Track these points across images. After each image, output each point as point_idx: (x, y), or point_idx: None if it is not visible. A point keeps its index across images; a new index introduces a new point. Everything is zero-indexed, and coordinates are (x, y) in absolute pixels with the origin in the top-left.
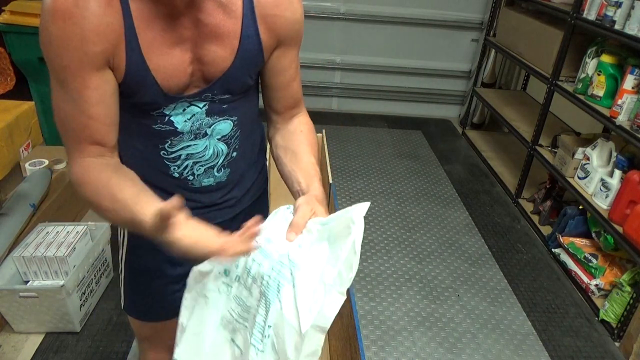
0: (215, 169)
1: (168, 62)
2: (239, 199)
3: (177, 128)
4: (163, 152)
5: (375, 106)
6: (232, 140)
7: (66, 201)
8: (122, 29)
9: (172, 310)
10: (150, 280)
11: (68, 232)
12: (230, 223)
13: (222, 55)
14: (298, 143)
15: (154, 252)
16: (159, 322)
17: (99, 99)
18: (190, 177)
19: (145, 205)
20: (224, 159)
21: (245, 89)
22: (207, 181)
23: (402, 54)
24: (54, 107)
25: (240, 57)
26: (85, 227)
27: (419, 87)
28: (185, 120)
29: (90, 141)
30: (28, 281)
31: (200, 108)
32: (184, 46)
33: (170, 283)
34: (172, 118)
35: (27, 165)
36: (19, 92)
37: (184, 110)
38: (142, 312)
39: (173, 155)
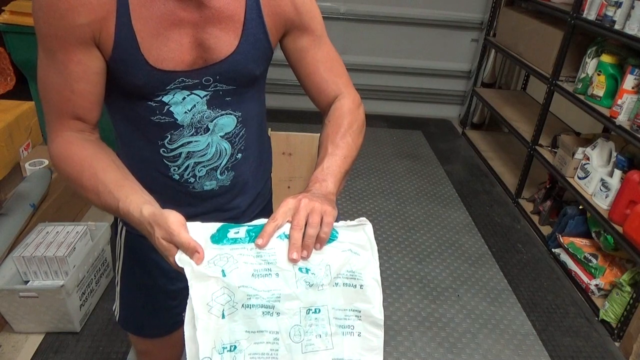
0: (218, 171)
1: (162, 43)
2: (243, 210)
3: (177, 120)
4: (163, 149)
5: (375, 106)
6: (237, 140)
7: (66, 201)
8: (113, 3)
9: (169, 327)
10: (146, 296)
11: (68, 232)
12: None
13: (225, 40)
14: (328, 130)
15: (151, 268)
16: (155, 339)
17: (81, 75)
18: (192, 180)
19: (130, 191)
20: (227, 160)
21: (251, 81)
22: (210, 184)
23: (402, 54)
24: (38, 76)
25: (245, 42)
26: (85, 227)
27: (419, 87)
28: (186, 112)
29: (72, 116)
30: (28, 281)
31: (201, 98)
32: (184, 30)
33: (167, 299)
34: (171, 109)
35: (27, 165)
36: (19, 92)
37: (184, 99)
38: (137, 327)
39: (173, 154)
